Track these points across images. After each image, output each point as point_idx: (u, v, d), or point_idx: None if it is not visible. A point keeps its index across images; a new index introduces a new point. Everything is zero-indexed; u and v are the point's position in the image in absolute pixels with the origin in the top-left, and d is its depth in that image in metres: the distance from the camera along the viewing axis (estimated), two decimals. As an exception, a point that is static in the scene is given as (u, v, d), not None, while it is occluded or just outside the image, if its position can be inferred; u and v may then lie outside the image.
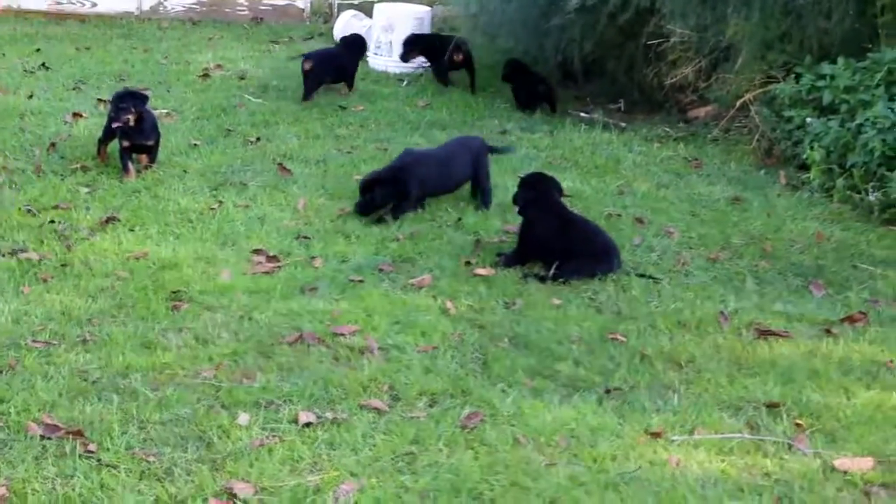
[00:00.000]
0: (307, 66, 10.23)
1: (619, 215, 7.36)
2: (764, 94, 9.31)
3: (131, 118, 7.67)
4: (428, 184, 7.20)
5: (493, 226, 7.03)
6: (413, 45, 11.30)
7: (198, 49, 12.72)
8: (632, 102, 10.58)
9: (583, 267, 6.25)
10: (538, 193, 6.51)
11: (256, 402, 4.67)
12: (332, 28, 13.51)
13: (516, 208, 6.59)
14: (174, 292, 5.80)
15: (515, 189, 6.69)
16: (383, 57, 11.99)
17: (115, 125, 7.75)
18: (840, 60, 8.79)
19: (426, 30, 12.08)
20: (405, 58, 11.27)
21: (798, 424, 4.70)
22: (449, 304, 5.76)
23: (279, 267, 6.22)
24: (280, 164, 8.09)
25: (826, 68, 8.84)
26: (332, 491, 4.06)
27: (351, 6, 13.89)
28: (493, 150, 7.67)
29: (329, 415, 4.59)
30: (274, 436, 4.41)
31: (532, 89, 10.42)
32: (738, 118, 9.60)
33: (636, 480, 4.23)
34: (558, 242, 6.34)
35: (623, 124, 9.96)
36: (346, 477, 4.16)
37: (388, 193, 7.00)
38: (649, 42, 10.16)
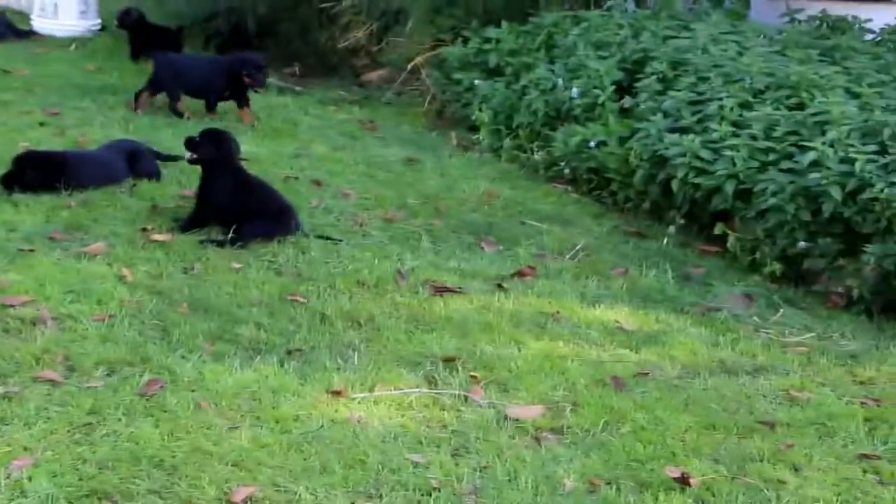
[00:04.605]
0: None
1: (297, 178, 7.39)
2: (434, 58, 9.54)
3: None
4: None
5: (169, 192, 6.91)
6: None
7: None
8: (307, 66, 10.61)
9: (261, 230, 6.24)
10: (219, 152, 6.43)
11: (-80, 380, 4.45)
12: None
13: (189, 154, 6.48)
14: None
15: (195, 136, 6.54)
16: (49, 20, 11.56)
17: None
18: (504, 25, 9.11)
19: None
20: None
21: (473, 377, 4.86)
22: (125, 272, 5.63)
23: (-61, 238, 5.92)
24: (-62, 131, 7.68)
25: (492, 32, 9.15)
26: (5, 467, 3.91)
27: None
28: (159, 156, 7.33)
29: (0, 389, 4.42)
30: (-59, 414, 4.22)
31: (149, 39, 10.41)
32: (410, 81, 9.81)
33: (319, 439, 4.27)
34: (236, 205, 6.31)
35: (299, 88, 9.98)
36: (19, 452, 4.01)
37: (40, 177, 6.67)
38: (322, 5, 10.21)
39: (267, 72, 8.68)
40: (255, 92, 8.65)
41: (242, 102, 8.68)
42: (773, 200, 6.27)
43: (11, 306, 5.13)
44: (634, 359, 5.16)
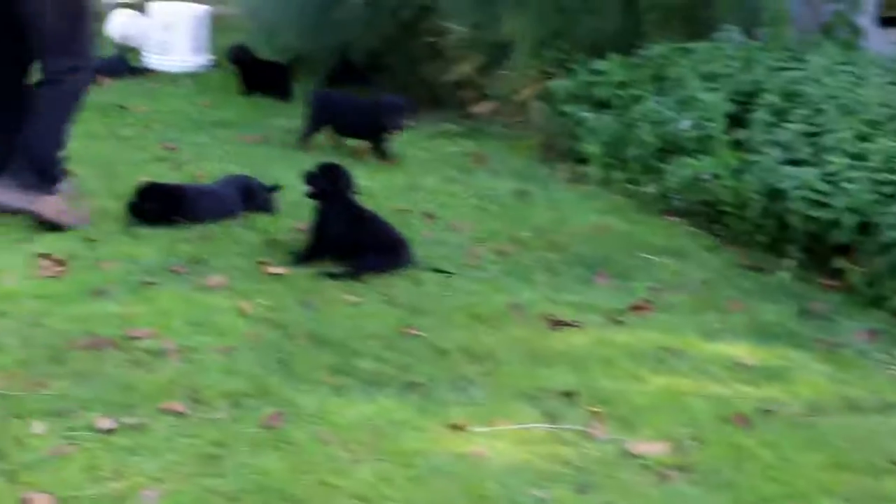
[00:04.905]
0: None
1: (409, 211, 7.42)
2: (542, 91, 9.54)
3: None
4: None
5: (284, 224, 6.98)
6: None
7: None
8: (415, 99, 10.65)
9: (375, 263, 6.28)
10: (335, 186, 6.50)
11: (51, 410, 4.50)
12: (105, 27, 13.14)
13: (307, 188, 6.55)
14: (-45, 300, 5.56)
15: (313, 170, 6.61)
16: (162, 56, 11.78)
17: None
18: (612, 57, 9.09)
19: (205, 30, 11.92)
20: None
21: (593, 412, 4.83)
22: (245, 304, 5.70)
23: (66, 271, 6.03)
24: (61, 166, 7.82)
25: (600, 64, 9.13)
26: (135, 497, 3.97)
27: (124, 5, 13.52)
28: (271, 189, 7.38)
29: (128, 420, 4.47)
30: (73, 444, 4.27)
31: (259, 74, 10.63)
32: (518, 114, 9.81)
33: (442, 473, 4.27)
34: (350, 238, 6.37)
35: (407, 121, 10.02)
36: (149, 483, 4.07)
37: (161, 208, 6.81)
38: (430, 39, 10.28)
39: (405, 114, 8.75)
40: (392, 133, 8.75)
41: (379, 143, 8.80)
42: (894, 234, 6.15)
43: (137, 338, 5.22)
44: (757, 395, 5.08)
